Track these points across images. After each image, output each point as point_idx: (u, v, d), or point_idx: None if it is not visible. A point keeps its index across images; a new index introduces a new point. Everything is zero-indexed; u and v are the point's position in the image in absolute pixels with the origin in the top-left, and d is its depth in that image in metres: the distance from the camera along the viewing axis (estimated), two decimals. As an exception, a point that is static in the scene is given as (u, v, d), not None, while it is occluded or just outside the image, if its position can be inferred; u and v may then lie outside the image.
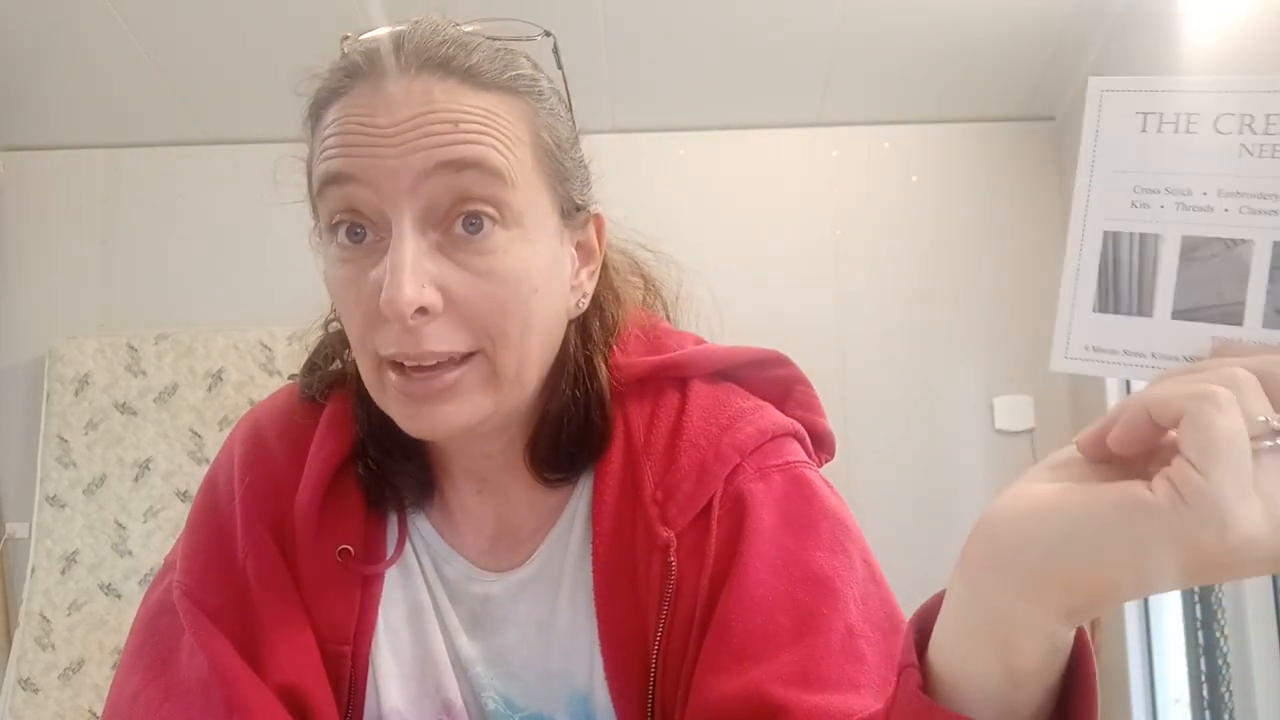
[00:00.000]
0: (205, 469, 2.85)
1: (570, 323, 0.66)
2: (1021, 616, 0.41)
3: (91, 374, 3.31)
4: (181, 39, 3.16)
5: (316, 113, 0.63)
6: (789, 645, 0.57)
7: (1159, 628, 3.09)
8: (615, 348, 0.68)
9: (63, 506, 3.27)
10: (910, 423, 3.43)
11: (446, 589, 0.66)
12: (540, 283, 0.59)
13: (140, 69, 3.23)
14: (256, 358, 3.32)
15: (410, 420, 0.59)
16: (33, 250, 3.54)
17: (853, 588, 0.61)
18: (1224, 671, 2.72)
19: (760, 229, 3.46)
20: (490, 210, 0.57)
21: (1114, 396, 3.17)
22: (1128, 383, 3.17)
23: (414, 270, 0.55)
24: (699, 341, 0.72)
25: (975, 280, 3.51)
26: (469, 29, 0.62)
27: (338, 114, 0.60)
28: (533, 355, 0.61)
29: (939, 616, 0.45)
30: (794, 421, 0.69)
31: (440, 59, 0.58)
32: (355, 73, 0.60)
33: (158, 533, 3.23)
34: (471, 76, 0.58)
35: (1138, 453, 0.41)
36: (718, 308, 0.78)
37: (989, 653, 0.41)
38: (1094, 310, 0.46)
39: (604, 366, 0.66)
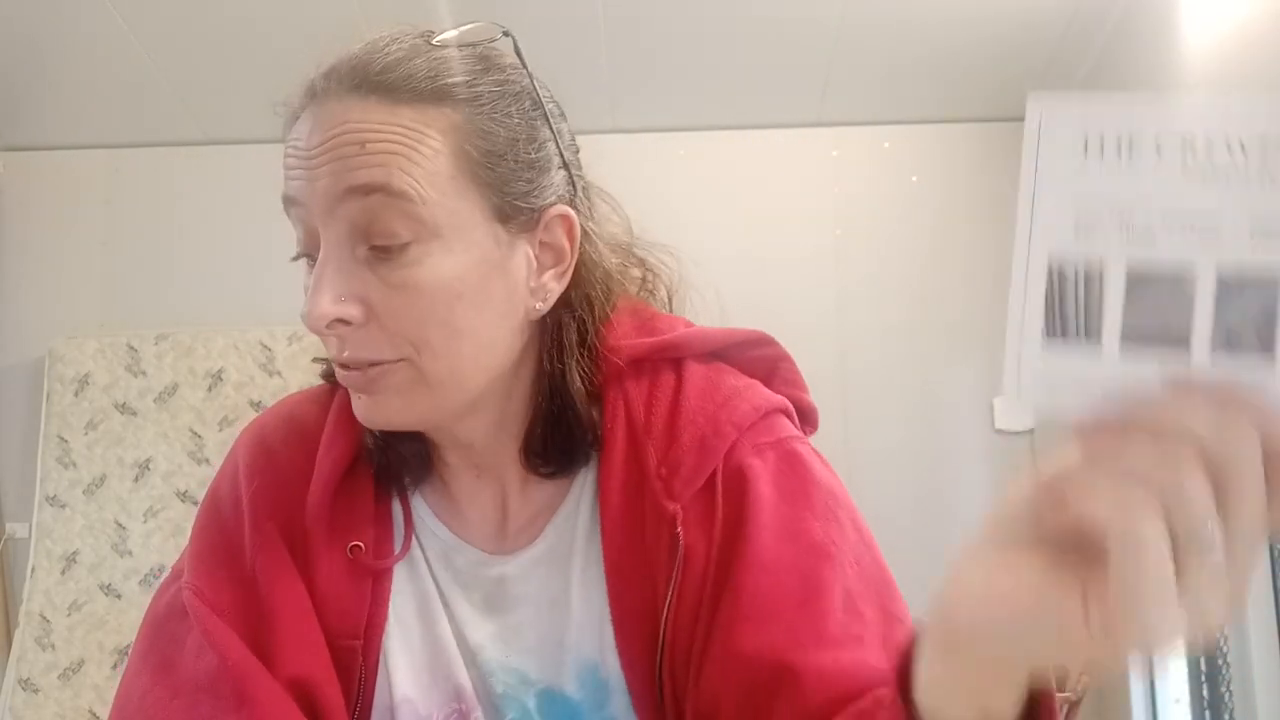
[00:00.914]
0: (205, 469, 2.84)
1: (543, 325, 0.69)
2: (987, 682, 0.45)
3: (91, 374, 3.31)
4: (181, 39, 3.16)
5: (285, 133, 0.66)
6: (796, 608, 0.61)
7: (1159, 628, 3.08)
8: (605, 332, 0.70)
9: (63, 507, 3.27)
10: (910, 423, 3.43)
11: (457, 578, 0.69)
12: (466, 290, 0.61)
13: (140, 69, 3.23)
14: (256, 358, 3.32)
15: (357, 410, 0.64)
16: (33, 250, 3.54)
17: (845, 552, 0.65)
18: (1224, 671, 2.72)
19: (760, 229, 3.46)
20: (400, 229, 0.59)
21: (1114, 396, 3.16)
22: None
23: (330, 285, 0.60)
24: (688, 324, 0.75)
25: (975, 280, 3.51)
26: (439, 39, 0.64)
27: (291, 137, 0.64)
28: (469, 360, 0.63)
29: (916, 660, 0.48)
30: (783, 398, 0.72)
31: (364, 78, 0.62)
32: (307, 96, 0.64)
33: (158, 533, 3.23)
34: (391, 92, 0.61)
35: (1062, 531, 0.42)
36: (720, 300, 0.80)
37: (963, 701, 0.46)
38: (1043, 337, 0.45)
39: (579, 373, 0.68)
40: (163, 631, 0.66)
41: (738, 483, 0.65)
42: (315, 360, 0.77)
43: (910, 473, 3.38)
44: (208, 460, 3.26)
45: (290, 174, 0.62)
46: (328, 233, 0.61)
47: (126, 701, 0.65)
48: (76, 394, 3.31)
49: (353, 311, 0.60)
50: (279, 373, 3.31)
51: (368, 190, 0.59)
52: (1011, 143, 3.68)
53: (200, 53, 3.22)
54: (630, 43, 3.05)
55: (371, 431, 0.69)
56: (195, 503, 3.24)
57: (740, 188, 3.51)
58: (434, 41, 0.64)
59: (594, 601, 0.66)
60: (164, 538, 3.23)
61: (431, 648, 0.67)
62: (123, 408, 3.30)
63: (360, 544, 0.66)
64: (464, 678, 0.66)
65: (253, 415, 3.50)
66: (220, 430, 3.28)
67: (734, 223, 3.37)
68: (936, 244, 3.53)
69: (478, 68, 0.64)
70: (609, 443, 0.67)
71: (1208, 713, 2.86)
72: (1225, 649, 2.65)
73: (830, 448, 0.81)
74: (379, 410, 0.63)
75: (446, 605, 0.68)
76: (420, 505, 0.71)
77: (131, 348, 3.33)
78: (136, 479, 3.27)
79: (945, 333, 3.50)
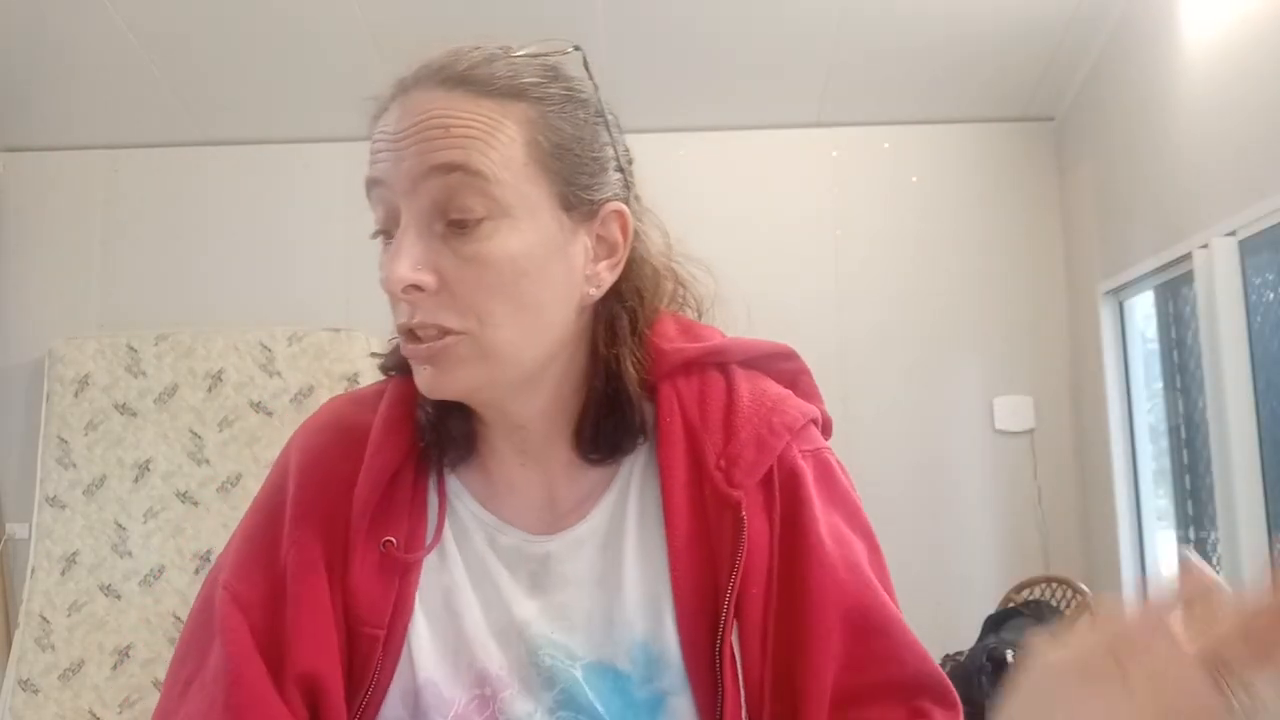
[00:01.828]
0: (205, 469, 2.84)
1: (595, 314, 0.74)
2: None
3: (91, 374, 3.31)
4: (181, 39, 3.16)
5: (371, 128, 0.72)
6: (851, 594, 0.70)
7: (1159, 628, 3.09)
8: (653, 336, 0.76)
9: (63, 507, 3.27)
10: (910, 423, 3.43)
11: (503, 558, 0.74)
12: (530, 267, 0.67)
13: (140, 69, 3.23)
14: (256, 358, 3.32)
15: (417, 378, 0.69)
16: (33, 250, 3.55)
17: (879, 550, 0.74)
18: (1224, 672, 2.72)
19: (760, 229, 3.46)
20: (476, 205, 0.65)
21: (1114, 397, 3.17)
22: (1127, 385, 3.18)
23: (409, 254, 0.65)
24: (722, 334, 0.81)
25: (976, 280, 3.51)
26: (516, 53, 0.70)
27: (378, 127, 0.70)
28: (527, 334, 0.68)
29: None
30: (814, 409, 0.79)
31: (450, 74, 0.68)
32: (395, 91, 0.70)
33: (157, 533, 3.23)
34: (475, 85, 0.67)
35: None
36: (748, 310, 0.85)
37: None
38: None
39: (631, 363, 0.73)
40: (196, 621, 0.73)
41: (792, 480, 0.72)
42: (373, 355, 0.83)
43: (910, 472, 3.39)
44: (207, 460, 3.26)
45: (376, 157, 0.68)
46: (409, 207, 0.66)
47: (173, 686, 0.72)
48: (76, 394, 3.31)
49: (427, 279, 0.65)
50: (279, 373, 3.31)
51: (449, 169, 0.65)
52: (1011, 143, 3.72)
53: (200, 53, 3.23)
54: (630, 43, 3.05)
55: (425, 407, 0.74)
56: (195, 503, 3.25)
57: (740, 188, 3.51)
58: (513, 54, 0.70)
59: (650, 580, 0.71)
60: (164, 538, 3.23)
61: (456, 637, 0.71)
62: (123, 408, 3.30)
63: (393, 539, 0.71)
64: (492, 662, 0.70)
65: (253, 415, 3.51)
66: (220, 430, 3.28)
67: (734, 223, 3.37)
68: (936, 244, 3.53)
69: (549, 74, 0.71)
70: (668, 433, 0.73)
71: (1208, 713, 2.86)
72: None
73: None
74: (442, 380, 0.68)
75: (493, 586, 0.72)
76: (462, 492, 0.76)
77: (131, 348, 3.33)
78: (136, 479, 3.27)
79: (945, 333, 3.50)
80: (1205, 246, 2.50)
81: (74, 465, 3.27)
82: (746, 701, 0.67)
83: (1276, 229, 2.30)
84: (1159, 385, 3.11)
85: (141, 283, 3.53)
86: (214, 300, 3.49)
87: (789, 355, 0.82)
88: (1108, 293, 3.18)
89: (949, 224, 3.53)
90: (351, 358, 3.30)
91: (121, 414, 3.29)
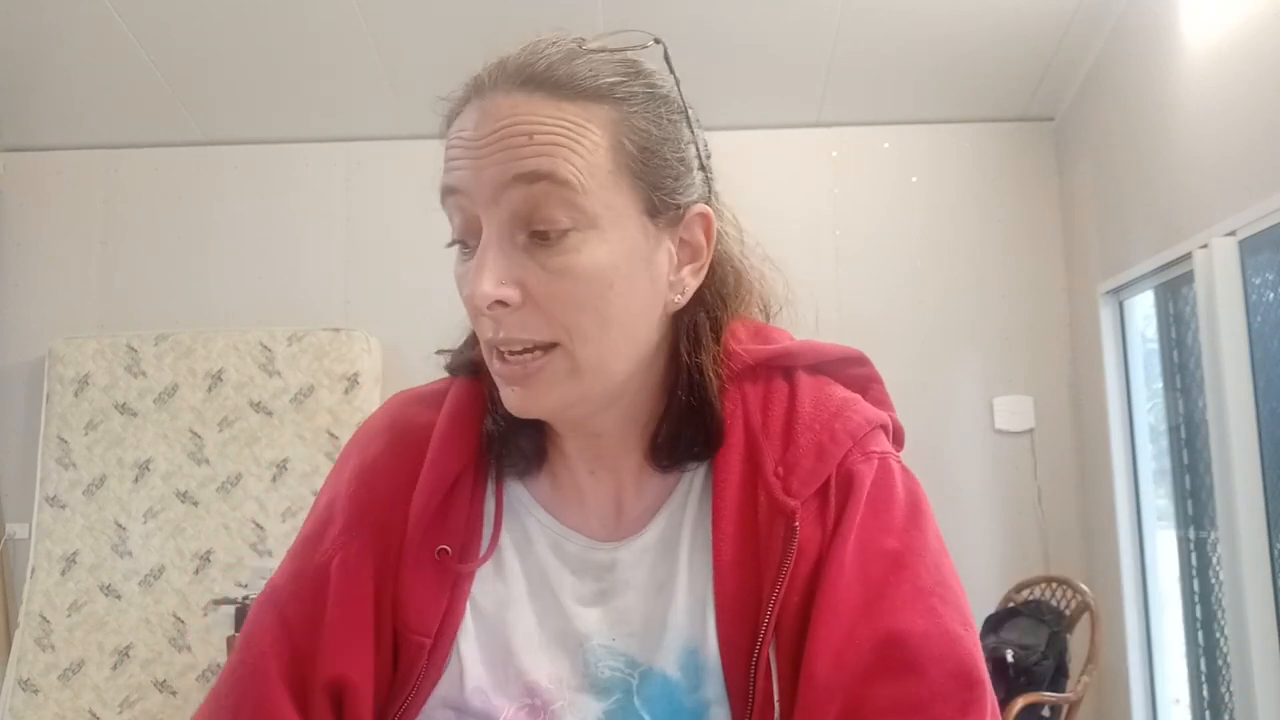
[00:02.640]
0: (205, 469, 2.84)
1: (679, 320, 0.72)
2: None
3: (91, 374, 3.31)
4: (181, 39, 3.16)
5: (444, 129, 0.69)
6: (860, 606, 0.65)
7: (1159, 628, 3.09)
8: (727, 339, 0.74)
9: (63, 507, 3.27)
10: (910, 423, 3.41)
11: (568, 565, 0.72)
12: (617, 279, 0.65)
13: (140, 69, 3.23)
14: (256, 358, 3.32)
15: (506, 398, 0.67)
16: (33, 250, 3.55)
17: (925, 557, 0.69)
18: (1224, 671, 2.72)
19: (760, 229, 3.45)
20: (561, 216, 0.62)
21: (1114, 397, 3.17)
22: (1127, 385, 3.18)
23: (493, 269, 0.62)
24: (791, 337, 0.80)
25: (975, 280, 3.51)
26: (591, 45, 0.68)
27: (454, 130, 0.67)
28: (615, 347, 0.66)
29: None
30: (885, 414, 0.77)
31: (530, 76, 0.64)
32: (470, 91, 0.67)
33: (157, 533, 3.23)
34: (557, 88, 0.64)
35: None
36: (815, 309, 0.85)
37: None
38: None
39: (712, 371, 0.71)
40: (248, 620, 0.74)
41: (847, 486, 0.69)
42: (439, 352, 0.80)
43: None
44: (207, 460, 3.26)
45: (453, 164, 0.65)
46: (490, 219, 0.63)
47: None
48: (76, 394, 3.31)
49: (511, 294, 0.63)
50: (279, 373, 3.31)
51: (534, 178, 0.62)
52: (1011, 143, 3.72)
53: (200, 53, 3.23)
54: (630, 44, 3.04)
55: (496, 418, 0.72)
56: (195, 503, 3.25)
57: (740, 188, 3.50)
58: (588, 46, 0.67)
59: (698, 587, 0.69)
60: (164, 538, 3.23)
61: (505, 648, 0.70)
62: (123, 408, 3.30)
63: (447, 548, 0.70)
64: (541, 675, 0.69)
65: (253, 415, 3.51)
66: (220, 430, 3.28)
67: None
68: (936, 244, 3.53)
69: (630, 70, 0.68)
70: (727, 439, 0.71)
71: (1208, 713, 2.86)
72: (1225, 649, 2.65)
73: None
74: (533, 400, 0.66)
75: (553, 595, 0.71)
76: (526, 499, 0.74)
77: (131, 348, 3.33)
78: (136, 479, 3.27)
79: (945, 333, 3.50)
80: (1205, 246, 2.50)
81: (74, 465, 3.27)
82: (781, 716, 0.65)
83: (1276, 229, 2.30)
84: (1159, 385, 3.11)
85: (141, 283, 3.53)
86: (214, 300, 3.49)
87: (860, 360, 0.79)
88: (1108, 293, 3.18)
89: (949, 224, 3.53)
90: (351, 358, 3.30)
91: (121, 414, 3.29)
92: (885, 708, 0.62)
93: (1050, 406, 3.46)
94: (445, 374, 0.78)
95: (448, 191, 0.65)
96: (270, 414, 3.28)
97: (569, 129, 0.63)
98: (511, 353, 0.65)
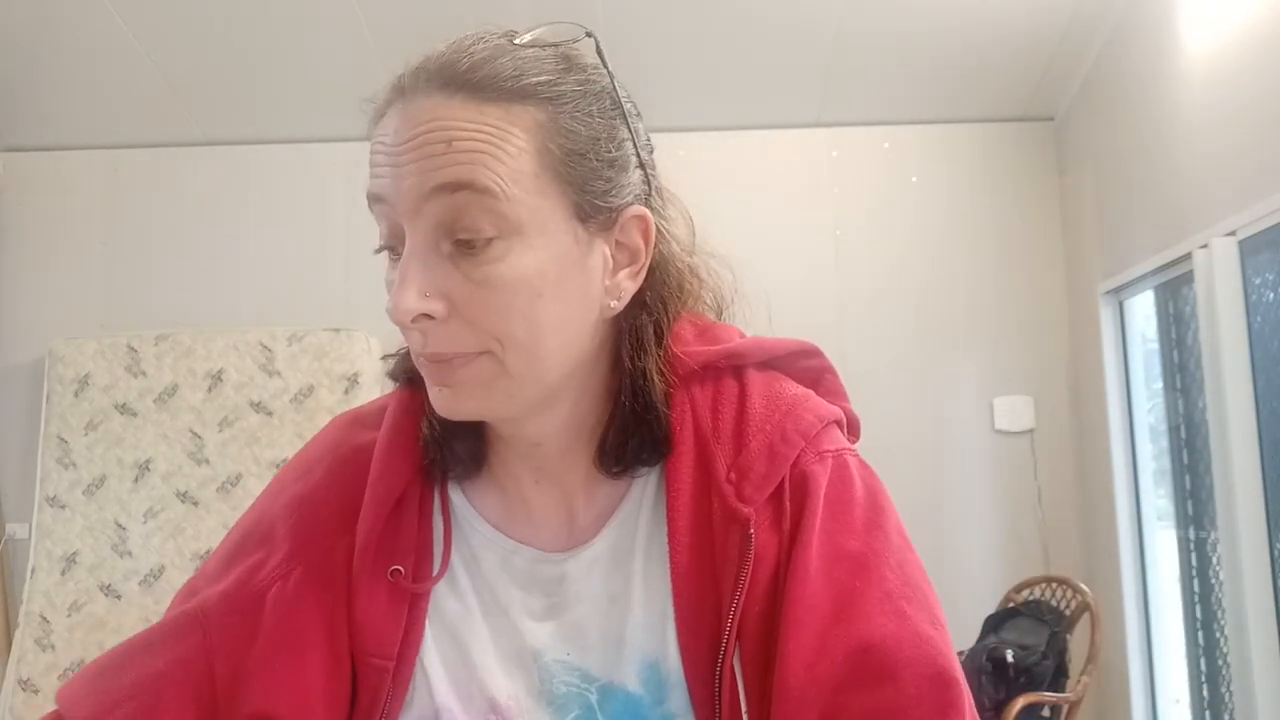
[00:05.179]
0: (205, 470, 2.83)
1: (619, 324, 0.70)
2: None
3: (91, 375, 3.31)
4: (181, 39, 3.16)
5: (370, 130, 0.67)
6: (829, 615, 0.63)
7: (1159, 628, 3.09)
8: (671, 341, 0.72)
9: (63, 507, 3.26)
10: (910, 423, 3.43)
11: (516, 579, 0.71)
12: (546, 287, 0.62)
13: (140, 69, 3.23)
14: (256, 358, 3.32)
15: (434, 398, 0.65)
16: (33, 250, 3.55)
17: (888, 557, 0.67)
18: (1224, 671, 2.72)
19: (761, 229, 3.46)
20: (485, 224, 0.60)
21: (1114, 397, 3.17)
22: (1127, 385, 3.18)
23: (415, 281, 0.61)
24: (741, 334, 0.77)
25: (975, 280, 3.51)
26: (523, 39, 0.65)
27: (376, 134, 0.65)
28: (547, 355, 0.64)
29: None
30: (838, 409, 0.75)
31: (451, 77, 0.62)
32: (393, 93, 0.65)
33: (157, 534, 3.23)
34: (479, 90, 0.62)
35: None
36: (767, 306, 0.82)
37: None
38: None
39: (657, 375, 0.70)
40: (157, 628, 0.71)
41: (801, 488, 0.68)
42: (385, 358, 0.79)
43: (911, 472, 3.38)
44: (207, 461, 3.26)
45: (376, 170, 0.63)
46: (413, 229, 0.61)
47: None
48: (76, 394, 3.31)
49: (436, 307, 0.61)
50: (279, 373, 3.31)
51: (454, 188, 0.60)
52: (1011, 142, 3.72)
53: (200, 53, 3.22)
54: (631, 44, 3.05)
55: (431, 424, 0.71)
56: (195, 503, 3.25)
57: (741, 188, 3.51)
58: (517, 41, 0.65)
59: (656, 599, 0.68)
60: (164, 538, 3.23)
61: (465, 665, 0.69)
62: (123, 408, 3.30)
63: (400, 568, 0.68)
64: (500, 692, 0.68)
65: (252, 415, 3.51)
66: (220, 431, 3.28)
67: (734, 223, 3.35)
68: (936, 244, 3.53)
69: (560, 67, 0.65)
70: (676, 445, 0.69)
71: (1208, 713, 2.86)
72: (1225, 649, 2.65)
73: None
74: (458, 401, 0.64)
75: (503, 613, 0.70)
76: (471, 514, 0.72)
77: (131, 348, 3.33)
78: (136, 479, 3.27)
79: (945, 333, 3.50)
80: (1205, 246, 2.50)
81: (74, 465, 3.27)
82: None
83: (1276, 229, 2.30)
84: (1159, 385, 3.11)
85: (141, 283, 3.53)
86: (214, 300, 3.49)
87: (811, 352, 0.77)
88: (1108, 293, 3.18)
89: (948, 224, 3.54)
90: (351, 358, 3.30)
91: (121, 414, 3.29)
92: (862, 717, 0.60)
93: (1050, 406, 3.46)
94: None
95: (373, 199, 0.63)
96: (270, 414, 3.28)
97: (490, 134, 0.60)
98: (441, 357, 0.63)
